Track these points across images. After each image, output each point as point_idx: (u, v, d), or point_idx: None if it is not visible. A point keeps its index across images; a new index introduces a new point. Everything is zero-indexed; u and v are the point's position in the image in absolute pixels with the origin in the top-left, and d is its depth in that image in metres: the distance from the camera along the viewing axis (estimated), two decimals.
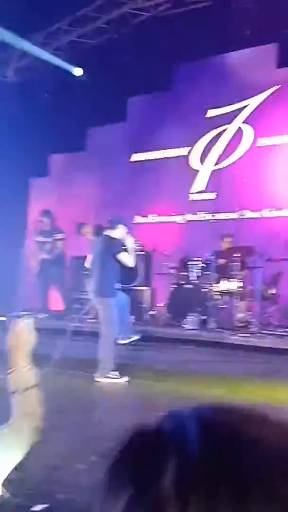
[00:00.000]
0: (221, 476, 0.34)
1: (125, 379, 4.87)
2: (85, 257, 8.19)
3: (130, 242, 5.17)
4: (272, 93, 8.49)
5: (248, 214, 7.70)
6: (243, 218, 7.61)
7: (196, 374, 4.91)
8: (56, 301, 8.36)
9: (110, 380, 4.85)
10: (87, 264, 5.35)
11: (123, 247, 5.02)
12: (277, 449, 0.37)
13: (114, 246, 4.95)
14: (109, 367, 4.86)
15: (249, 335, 6.09)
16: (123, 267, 5.04)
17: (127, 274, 5.46)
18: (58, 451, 3.24)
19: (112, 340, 5.00)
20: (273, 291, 6.97)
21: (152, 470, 0.36)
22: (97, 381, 4.85)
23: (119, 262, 4.98)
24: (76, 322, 7.14)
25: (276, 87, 8.44)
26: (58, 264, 7.99)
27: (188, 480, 0.34)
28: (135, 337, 5.70)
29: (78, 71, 9.62)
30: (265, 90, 8.52)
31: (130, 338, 5.54)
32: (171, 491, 0.34)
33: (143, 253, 7.56)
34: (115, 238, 5.04)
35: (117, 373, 4.86)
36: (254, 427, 0.39)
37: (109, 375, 4.85)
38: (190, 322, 6.55)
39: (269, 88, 8.49)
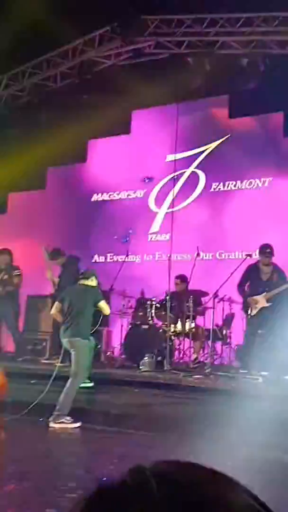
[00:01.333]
0: None
1: (78, 424, 4.87)
2: (42, 296, 8.22)
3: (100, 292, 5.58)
4: (223, 141, 8.98)
5: (201, 255, 7.97)
6: (197, 260, 7.87)
7: (151, 418, 4.96)
8: (7, 342, 8.23)
9: (64, 425, 4.83)
10: (54, 310, 5.40)
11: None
12: (233, 508, 0.39)
13: (94, 294, 5.29)
14: (66, 412, 4.85)
15: (202, 376, 6.22)
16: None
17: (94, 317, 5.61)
18: (12, 502, 3.20)
19: (78, 384, 5.06)
20: (226, 332, 7.19)
21: None
22: (51, 427, 4.81)
23: (95, 309, 5.30)
24: (31, 364, 7.10)
25: (228, 136, 8.95)
26: (10, 301, 7.87)
27: None
28: (90, 384, 5.74)
29: None
30: (218, 138, 9.01)
31: (85, 383, 5.56)
32: None
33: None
34: (93, 287, 5.34)
35: (69, 418, 4.86)
36: (211, 484, 0.41)
37: (64, 420, 4.84)
38: (146, 364, 6.62)
39: (222, 137, 8.99)
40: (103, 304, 5.34)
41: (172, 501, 0.38)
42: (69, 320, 5.14)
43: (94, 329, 6.71)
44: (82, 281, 5.47)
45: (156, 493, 0.38)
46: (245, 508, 0.40)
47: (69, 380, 4.96)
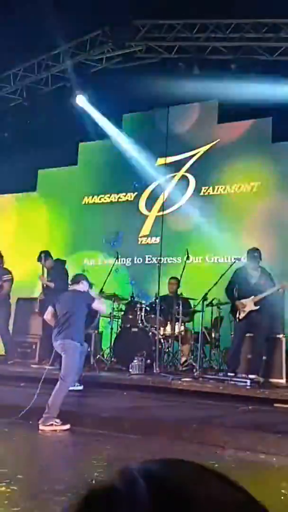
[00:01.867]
0: None
1: (67, 426, 4.90)
2: (31, 298, 8.23)
3: (94, 294, 5.65)
4: (213, 146, 9.07)
5: (191, 259, 8.04)
6: (187, 263, 7.94)
7: (140, 421, 5.01)
8: None
9: (53, 428, 4.86)
10: (47, 315, 5.43)
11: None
12: (220, 504, 0.39)
13: (85, 299, 5.33)
14: (55, 414, 4.88)
15: (191, 379, 6.28)
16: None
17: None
18: (0, 505, 3.22)
19: (68, 386, 5.07)
20: (214, 335, 7.26)
21: None
22: (41, 430, 4.84)
23: (89, 311, 5.36)
24: (20, 367, 7.11)
25: (217, 141, 9.04)
26: (2, 305, 7.88)
27: None
28: (79, 387, 5.77)
29: None
30: (207, 142, 9.11)
31: (74, 386, 5.59)
32: None
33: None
34: (83, 292, 5.40)
35: (58, 420, 4.89)
36: (200, 481, 0.41)
37: (53, 422, 4.87)
38: (135, 367, 6.66)
39: (211, 141, 9.08)
40: (96, 305, 5.39)
41: (161, 501, 0.38)
42: (62, 324, 5.16)
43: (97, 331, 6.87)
44: (73, 287, 5.51)
45: (145, 494, 0.38)
46: (234, 503, 0.40)
47: (58, 383, 4.98)
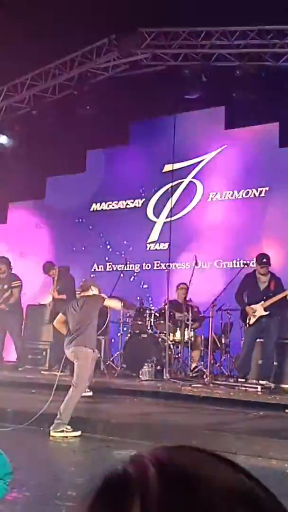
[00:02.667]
0: None
1: (78, 433, 4.90)
2: (41, 305, 8.27)
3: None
4: (220, 152, 9.10)
5: (199, 264, 8.04)
6: (195, 268, 7.95)
7: (150, 427, 5.00)
8: (10, 351, 8.26)
9: (64, 434, 4.86)
10: (57, 323, 5.44)
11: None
12: (228, 487, 0.41)
13: (95, 302, 5.31)
14: (66, 421, 4.89)
15: (201, 385, 6.27)
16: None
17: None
18: (14, 510, 3.24)
19: (80, 393, 5.08)
20: (224, 341, 7.24)
21: (121, 511, 0.39)
22: (52, 436, 4.85)
23: (101, 313, 5.38)
24: (31, 373, 7.13)
25: (224, 146, 9.07)
26: (14, 312, 7.92)
27: None
28: (89, 394, 5.78)
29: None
30: (214, 148, 9.13)
31: (85, 392, 5.60)
32: None
33: None
34: (93, 295, 5.41)
35: (69, 427, 4.88)
36: (207, 466, 0.43)
37: (64, 429, 4.88)
38: (146, 373, 6.66)
39: (218, 147, 9.11)
40: (110, 302, 5.40)
41: (170, 485, 0.40)
42: (74, 332, 5.17)
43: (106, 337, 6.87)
44: (83, 293, 5.51)
45: (155, 479, 0.40)
46: (241, 486, 0.42)
47: (70, 390, 4.99)
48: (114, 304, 5.52)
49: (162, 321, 7.19)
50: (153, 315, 7.37)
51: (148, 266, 9.28)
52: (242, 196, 8.81)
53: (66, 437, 4.86)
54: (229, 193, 8.93)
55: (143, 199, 9.62)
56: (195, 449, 0.45)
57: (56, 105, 10.05)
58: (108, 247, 9.54)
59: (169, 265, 7.94)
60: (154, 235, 9.42)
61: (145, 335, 7.22)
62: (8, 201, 10.68)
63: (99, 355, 7.14)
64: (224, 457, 0.45)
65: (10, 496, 3.46)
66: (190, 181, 9.30)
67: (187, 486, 0.40)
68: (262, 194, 8.63)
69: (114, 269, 9.29)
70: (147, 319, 7.36)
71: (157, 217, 9.47)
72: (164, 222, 9.28)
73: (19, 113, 10.33)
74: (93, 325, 5.25)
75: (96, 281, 5.92)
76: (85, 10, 8.14)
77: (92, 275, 9.30)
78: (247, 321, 6.50)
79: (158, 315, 7.36)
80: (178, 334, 7.24)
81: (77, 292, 7.56)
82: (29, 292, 8.72)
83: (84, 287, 5.58)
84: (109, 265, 9.56)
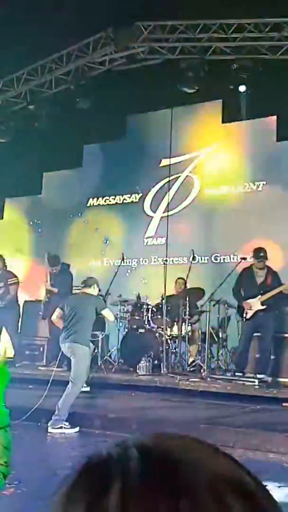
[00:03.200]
0: (157, 495, 0.38)
1: (76, 429, 4.91)
2: (38, 301, 8.25)
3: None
4: (217, 146, 9.07)
5: (197, 259, 8.04)
6: (193, 263, 7.94)
7: (148, 421, 5.01)
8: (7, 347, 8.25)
9: (62, 430, 4.87)
10: (55, 317, 5.44)
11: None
12: (216, 473, 0.40)
13: (97, 303, 5.35)
14: (64, 417, 4.88)
15: (199, 380, 6.27)
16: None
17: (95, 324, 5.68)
18: (11, 506, 3.24)
19: (79, 390, 5.09)
20: (222, 335, 7.24)
21: (100, 492, 0.39)
22: (50, 432, 4.84)
23: (97, 316, 5.35)
24: (28, 369, 7.13)
25: (221, 140, 9.04)
26: (10, 308, 7.90)
27: (129, 500, 0.38)
28: (86, 389, 5.78)
29: None
30: (212, 143, 9.10)
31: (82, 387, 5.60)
32: (115, 510, 0.37)
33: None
34: (95, 296, 5.44)
35: (67, 423, 4.88)
36: (195, 452, 0.42)
37: (62, 425, 4.88)
38: (143, 367, 6.67)
39: (216, 141, 9.07)
40: (106, 312, 5.41)
41: (150, 466, 0.40)
42: (71, 326, 5.17)
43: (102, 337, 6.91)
44: (85, 289, 5.48)
45: (136, 459, 0.40)
46: (230, 474, 0.41)
47: (69, 386, 4.99)
48: (109, 315, 5.51)
49: (159, 316, 7.19)
50: (150, 310, 7.37)
51: (145, 261, 9.27)
52: (239, 190, 8.78)
53: (64, 433, 4.86)
54: (227, 187, 8.90)
55: (140, 194, 9.59)
56: (181, 436, 0.44)
57: (53, 99, 9.99)
58: (105, 242, 9.51)
59: (166, 260, 7.92)
60: (151, 230, 9.40)
61: (143, 330, 7.22)
62: (5, 196, 10.63)
63: (96, 350, 7.15)
64: (213, 445, 0.44)
65: (8, 491, 3.46)
66: (187, 176, 9.27)
67: (171, 468, 0.39)
68: (260, 188, 8.62)
69: (111, 264, 9.27)
70: (144, 314, 7.36)
71: (154, 212, 9.44)
72: (161, 217, 9.26)
73: (15, 108, 10.27)
74: (90, 321, 5.25)
75: (93, 275, 5.89)
76: (81, 3, 8.07)
77: (88, 271, 9.29)
78: (244, 316, 6.50)
79: (155, 310, 7.36)
80: (175, 328, 7.24)
81: (75, 288, 7.55)
82: (26, 288, 8.69)
83: (87, 282, 5.54)
84: (106, 260, 9.54)
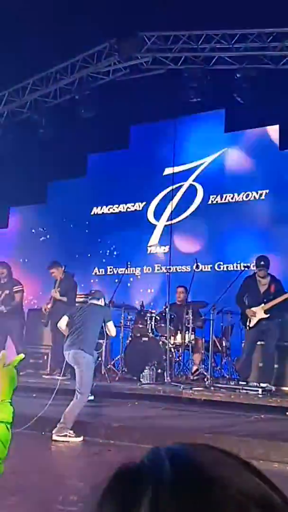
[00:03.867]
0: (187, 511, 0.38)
1: (80, 438, 4.90)
2: (41, 309, 8.27)
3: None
4: (220, 155, 9.12)
5: (200, 267, 8.05)
6: (196, 271, 7.96)
7: (152, 431, 5.00)
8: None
9: (66, 438, 4.86)
10: (62, 324, 5.41)
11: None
12: (236, 486, 0.40)
13: (105, 313, 5.42)
14: (69, 426, 4.87)
15: (202, 388, 6.26)
16: None
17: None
18: None
19: (85, 399, 5.08)
20: (225, 344, 7.24)
21: (131, 504, 0.40)
22: (54, 440, 4.84)
23: (102, 327, 5.38)
24: (32, 377, 7.13)
25: (224, 149, 9.09)
26: (15, 316, 7.91)
27: None
28: (91, 397, 5.78)
29: None
30: (215, 151, 9.15)
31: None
32: None
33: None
34: (103, 306, 5.52)
35: (72, 431, 4.88)
36: (224, 467, 0.42)
37: (67, 433, 4.87)
38: (146, 376, 6.66)
39: (219, 150, 9.12)
40: (111, 325, 5.42)
41: (183, 480, 0.40)
42: (75, 334, 5.17)
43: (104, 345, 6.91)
44: (93, 301, 5.53)
45: (169, 472, 0.40)
46: (254, 490, 0.41)
47: (76, 396, 4.98)
48: (112, 329, 5.50)
49: (163, 324, 7.19)
50: (154, 318, 7.37)
51: (148, 269, 9.29)
52: (242, 199, 8.81)
53: (68, 441, 4.85)
54: (230, 195, 8.94)
55: (144, 203, 9.64)
56: (212, 448, 0.45)
57: (57, 109, 10.09)
58: (109, 250, 9.55)
59: (169, 268, 7.94)
60: (154, 239, 9.44)
61: (146, 339, 7.22)
62: (10, 205, 10.70)
63: (99, 359, 7.15)
64: (242, 459, 0.45)
65: (12, 501, 3.47)
66: (191, 184, 9.31)
67: (200, 482, 0.40)
68: (263, 197, 8.64)
69: (115, 272, 9.29)
70: (148, 322, 7.36)
71: (158, 220, 9.48)
72: (165, 225, 9.29)
73: (20, 118, 10.37)
74: (95, 331, 5.28)
75: (97, 284, 5.93)
76: (85, 14, 8.17)
77: (92, 280, 9.33)
78: (248, 324, 6.49)
79: (159, 318, 7.36)
80: (179, 337, 7.24)
81: (78, 297, 7.56)
82: (30, 297, 8.72)
83: (95, 295, 5.64)
84: (110, 268, 9.57)
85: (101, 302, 5.51)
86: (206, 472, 0.41)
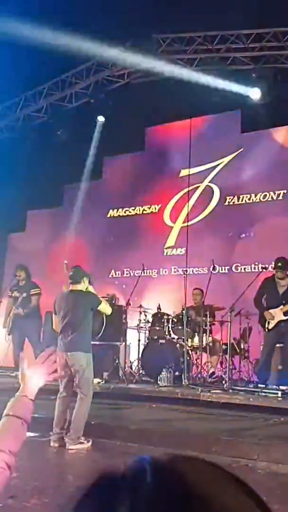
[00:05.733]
0: None
1: (90, 442, 4.75)
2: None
3: (93, 290, 5.08)
4: (236, 155, 9.05)
5: (217, 269, 7.99)
6: (212, 273, 7.90)
7: (170, 434, 4.97)
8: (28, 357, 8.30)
9: (81, 446, 4.73)
10: (55, 326, 4.99)
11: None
12: (219, 503, 0.39)
13: (90, 300, 4.84)
14: (81, 432, 4.72)
15: (220, 391, 6.21)
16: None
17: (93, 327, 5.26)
18: None
19: (90, 400, 4.83)
20: (243, 346, 7.16)
21: (108, 509, 0.39)
22: (70, 449, 4.76)
23: (94, 314, 4.94)
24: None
25: (240, 150, 9.02)
26: (33, 319, 7.97)
27: None
28: None
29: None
30: (231, 152, 9.09)
31: None
32: None
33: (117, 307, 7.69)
34: (86, 292, 4.91)
35: (83, 438, 4.73)
36: (208, 480, 0.41)
37: (80, 441, 4.71)
38: (164, 379, 6.63)
39: (235, 151, 9.06)
40: (103, 307, 4.82)
41: (161, 494, 0.39)
42: (67, 333, 4.68)
43: (100, 334, 6.73)
44: (73, 287, 4.87)
45: (149, 484, 0.39)
46: (238, 508, 0.40)
47: (80, 400, 4.74)
48: (106, 309, 4.92)
49: (180, 327, 7.15)
50: (171, 320, 7.34)
51: (165, 271, 9.26)
52: (259, 199, 8.73)
53: (84, 448, 4.77)
54: (246, 196, 8.86)
55: (160, 205, 9.62)
56: (201, 461, 0.43)
57: (73, 113, 10.16)
58: (125, 252, 9.54)
59: (186, 270, 7.91)
60: (171, 240, 9.41)
61: (163, 341, 7.19)
62: (27, 209, 10.80)
63: (117, 361, 7.14)
64: (231, 474, 0.42)
65: (29, 503, 3.48)
66: (207, 185, 9.26)
67: (180, 500, 0.38)
68: (280, 197, 8.55)
69: (131, 274, 9.29)
70: (165, 324, 7.33)
71: (174, 222, 9.45)
72: (181, 227, 9.25)
73: (36, 122, 10.46)
74: (87, 324, 4.79)
75: (86, 272, 5.05)
76: (99, 17, 8.21)
77: (109, 281, 9.33)
78: (266, 326, 6.42)
79: (176, 320, 7.33)
80: (196, 339, 7.19)
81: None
82: (47, 299, 8.75)
83: (75, 277, 4.80)
84: (126, 270, 9.57)
85: (83, 284, 4.78)
86: (189, 488, 0.39)
